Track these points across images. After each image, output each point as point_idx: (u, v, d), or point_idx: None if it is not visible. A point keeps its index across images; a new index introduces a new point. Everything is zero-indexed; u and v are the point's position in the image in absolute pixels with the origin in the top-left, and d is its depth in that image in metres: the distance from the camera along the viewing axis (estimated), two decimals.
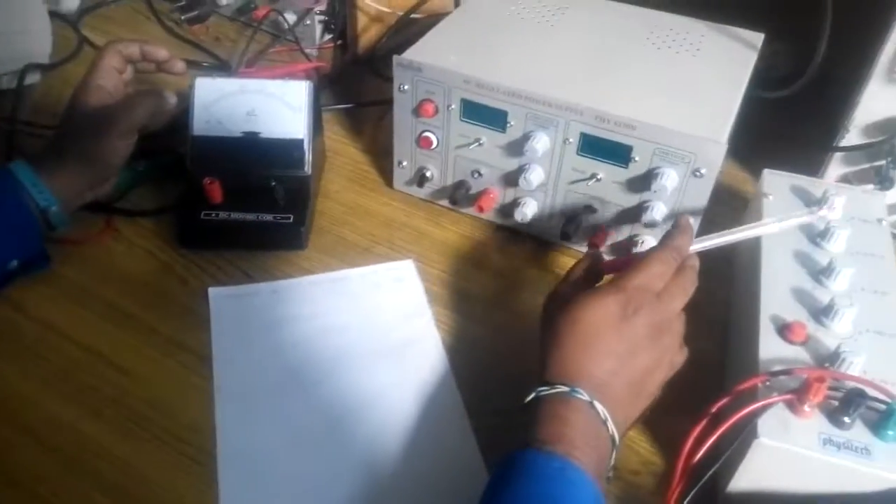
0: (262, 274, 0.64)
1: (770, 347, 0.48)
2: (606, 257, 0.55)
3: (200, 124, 0.66)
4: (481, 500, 0.42)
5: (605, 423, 0.44)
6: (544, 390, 0.45)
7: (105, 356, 0.57)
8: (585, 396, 0.44)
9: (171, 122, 0.69)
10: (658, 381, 0.49)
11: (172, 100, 0.67)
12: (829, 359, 0.47)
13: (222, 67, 0.90)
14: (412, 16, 0.87)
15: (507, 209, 0.68)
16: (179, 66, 0.71)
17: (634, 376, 0.47)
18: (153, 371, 0.56)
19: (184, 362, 0.57)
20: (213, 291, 0.61)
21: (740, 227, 0.54)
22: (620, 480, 0.50)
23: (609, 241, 0.65)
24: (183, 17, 0.96)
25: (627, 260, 0.52)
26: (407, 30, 0.85)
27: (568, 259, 0.68)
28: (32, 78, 0.84)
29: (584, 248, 0.67)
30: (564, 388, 0.45)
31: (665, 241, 0.52)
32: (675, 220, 0.55)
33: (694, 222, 0.60)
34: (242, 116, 0.67)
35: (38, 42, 0.85)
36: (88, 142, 0.62)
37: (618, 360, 0.46)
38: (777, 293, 0.52)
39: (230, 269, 0.64)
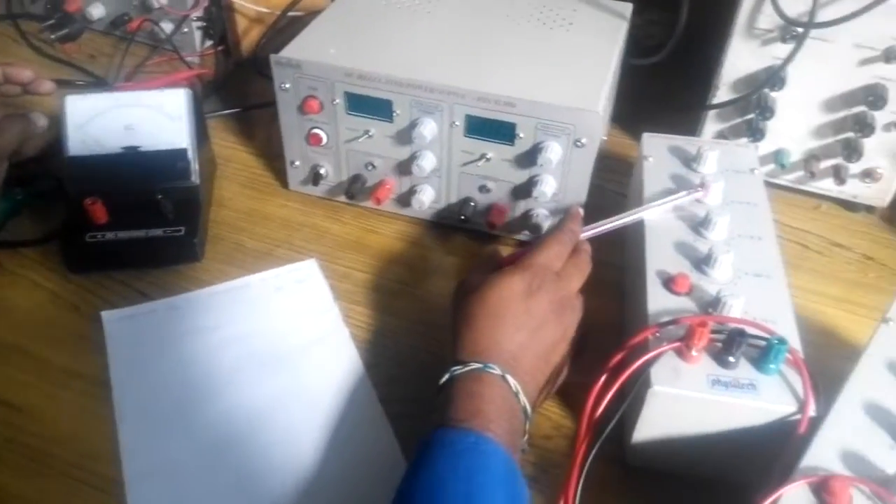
0: (160, 291, 0.62)
1: (658, 301, 0.51)
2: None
3: (76, 144, 0.64)
4: (400, 486, 0.43)
5: (516, 395, 0.46)
6: (458, 369, 0.46)
7: None
8: (497, 371, 0.46)
9: (47, 145, 0.66)
10: (561, 353, 0.51)
11: (42, 122, 0.64)
12: (711, 304, 0.50)
13: (100, 84, 0.86)
14: (293, 13, 0.85)
15: (405, 198, 0.69)
16: (46, 85, 0.68)
17: (541, 349, 0.49)
18: (49, 404, 0.54)
19: (81, 390, 0.54)
20: (107, 315, 0.59)
21: (624, 213, 0.58)
22: (534, 446, 0.51)
23: (506, 219, 0.66)
24: (53, 37, 0.91)
25: (524, 252, 0.54)
26: (290, 28, 0.84)
27: (470, 241, 0.69)
28: None
29: (483, 229, 0.68)
30: (478, 365, 0.46)
31: (558, 225, 0.56)
32: (567, 209, 0.59)
33: (581, 190, 0.62)
34: (120, 131, 0.64)
35: None
36: None
37: (527, 333, 0.48)
38: (661, 249, 0.55)
39: (124, 290, 0.62)
